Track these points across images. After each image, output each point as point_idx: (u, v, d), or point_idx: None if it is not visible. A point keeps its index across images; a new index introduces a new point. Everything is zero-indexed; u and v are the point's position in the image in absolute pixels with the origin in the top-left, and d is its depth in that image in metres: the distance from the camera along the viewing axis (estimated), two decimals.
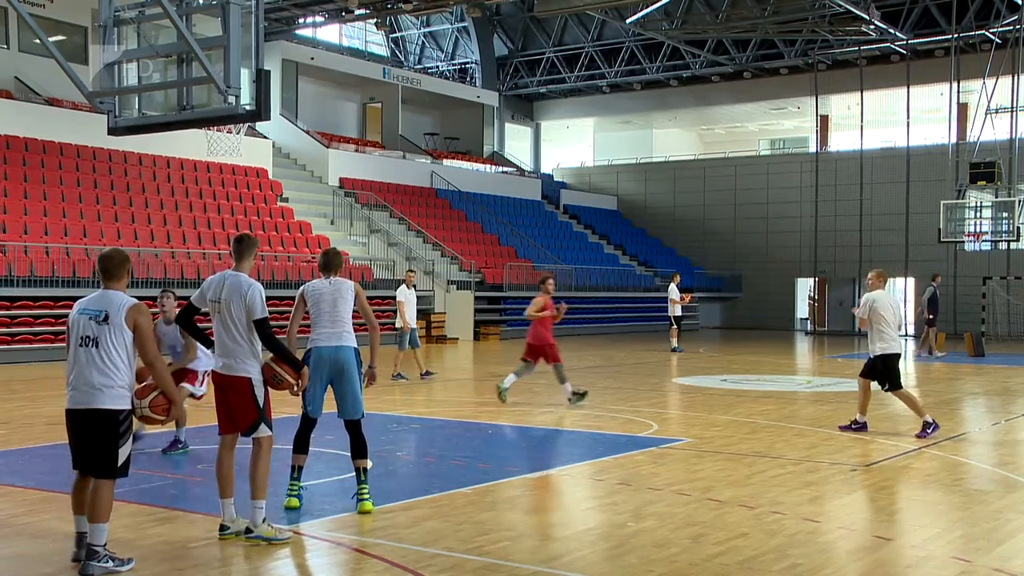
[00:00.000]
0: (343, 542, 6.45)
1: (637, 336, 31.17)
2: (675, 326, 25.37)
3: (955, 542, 6.68)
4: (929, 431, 10.84)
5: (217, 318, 6.63)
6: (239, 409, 6.56)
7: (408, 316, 17.05)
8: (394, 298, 28.44)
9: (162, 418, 6.20)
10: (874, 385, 11.41)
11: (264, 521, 6.41)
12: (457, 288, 30.19)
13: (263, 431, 6.55)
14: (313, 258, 26.92)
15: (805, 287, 40.58)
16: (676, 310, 25.22)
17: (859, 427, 11.24)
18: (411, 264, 30.47)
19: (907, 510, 7.87)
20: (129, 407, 5.85)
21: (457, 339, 29.04)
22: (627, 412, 13.06)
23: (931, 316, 23.80)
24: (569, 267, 34.76)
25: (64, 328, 21.32)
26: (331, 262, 7.48)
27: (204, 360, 9.31)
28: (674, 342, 25.23)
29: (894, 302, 11.40)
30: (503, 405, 13.41)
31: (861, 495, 8.23)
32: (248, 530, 6.40)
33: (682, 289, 26.43)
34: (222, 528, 6.45)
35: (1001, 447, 11.11)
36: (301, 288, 7.56)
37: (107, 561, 5.64)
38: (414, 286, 17.85)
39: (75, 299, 23.69)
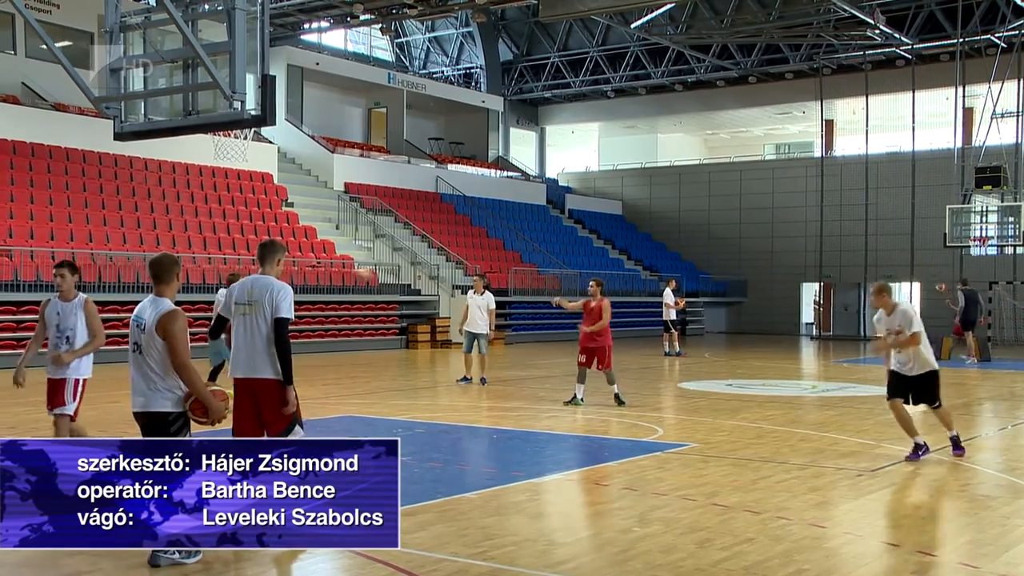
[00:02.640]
0: None
1: (641, 340, 31.09)
2: (672, 331, 25.39)
3: (962, 548, 6.66)
4: (920, 454, 9.81)
5: (242, 320, 6.55)
6: (272, 412, 6.49)
7: (469, 320, 17.02)
8: (399, 303, 28.72)
9: (203, 419, 6.16)
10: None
11: None
12: (462, 292, 30.15)
13: (297, 432, 6.52)
14: (318, 263, 26.92)
15: (810, 292, 40.51)
16: (670, 314, 25.27)
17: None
18: (416, 269, 30.52)
19: (913, 515, 7.84)
20: (179, 409, 6.06)
21: (462, 343, 28.97)
22: (632, 416, 13.05)
23: (972, 320, 23.40)
24: (574, 272, 34.73)
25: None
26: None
27: (81, 366, 8.01)
28: (676, 346, 25.23)
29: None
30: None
31: (867, 500, 8.19)
32: None
33: (678, 294, 26.46)
34: None
35: (1008, 452, 11.08)
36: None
37: (174, 553, 5.84)
38: (485, 288, 17.95)
39: None
